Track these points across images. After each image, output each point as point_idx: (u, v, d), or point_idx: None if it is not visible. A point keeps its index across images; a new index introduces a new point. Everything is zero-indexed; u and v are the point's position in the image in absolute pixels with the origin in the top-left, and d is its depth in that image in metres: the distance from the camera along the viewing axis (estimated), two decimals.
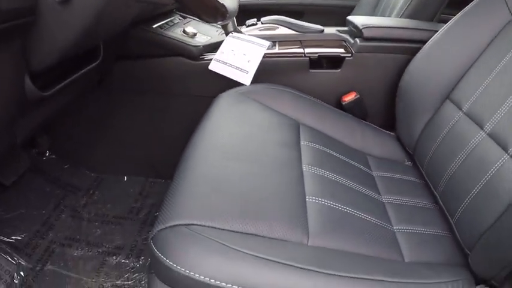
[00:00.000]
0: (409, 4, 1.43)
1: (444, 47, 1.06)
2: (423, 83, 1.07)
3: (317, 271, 0.63)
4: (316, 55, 1.21)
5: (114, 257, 1.20)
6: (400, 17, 1.45)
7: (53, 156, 1.52)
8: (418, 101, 1.07)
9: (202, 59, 1.27)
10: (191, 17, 1.56)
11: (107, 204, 1.40)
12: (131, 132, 1.45)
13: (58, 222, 1.30)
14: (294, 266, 0.63)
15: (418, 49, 1.11)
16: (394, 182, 1.00)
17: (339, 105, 1.23)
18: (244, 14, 2.08)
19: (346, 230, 0.76)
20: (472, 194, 0.80)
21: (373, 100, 1.26)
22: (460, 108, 0.97)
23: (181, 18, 1.55)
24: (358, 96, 1.21)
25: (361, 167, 1.00)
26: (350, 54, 1.22)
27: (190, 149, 0.88)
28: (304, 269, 0.63)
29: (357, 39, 1.23)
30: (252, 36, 1.20)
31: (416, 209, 0.93)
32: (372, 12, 1.82)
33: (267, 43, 1.16)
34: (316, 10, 2.13)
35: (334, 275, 0.64)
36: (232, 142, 0.89)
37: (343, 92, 1.23)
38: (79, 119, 1.45)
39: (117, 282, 1.12)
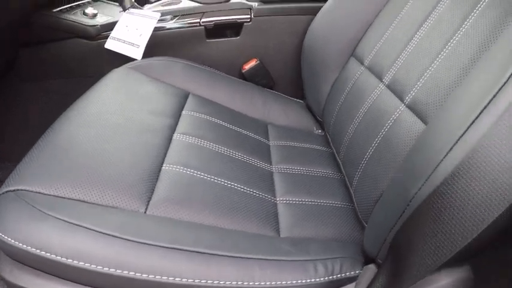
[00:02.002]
0: None
1: (346, 2, 0.99)
2: (326, 41, 0.99)
3: (136, 241, 0.55)
4: (212, 23, 1.12)
5: None
6: None
7: None
8: (322, 62, 0.99)
9: (100, 39, 1.19)
10: None
11: None
12: (43, 119, 1.37)
13: None
14: (114, 236, 0.55)
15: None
16: (293, 150, 0.91)
17: (241, 74, 1.14)
18: None
19: (202, 200, 0.67)
20: (368, 154, 0.72)
21: (278, 67, 1.17)
22: (362, 63, 0.89)
23: (92, 1, 1.47)
24: (259, 62, 1.12)
25: (255, 136, 0.91)
26: (248, 19, 1.13)
27: (58, 119, 0.80)
28: (121, 238, 0.55)
29: (255, 3, 1.15)
30: (145, 10, 1.12)
31: (315, 179, 0.83)
32: None
33: (157, 15, 1.08)
34: None
35: (162, 246, 0.55)
36: (101, 111, 0.80)
37: (244, 60, 1.14)
38: None
39: None
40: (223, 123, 0.89)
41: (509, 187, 0.39)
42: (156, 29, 1.10)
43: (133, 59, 1.06)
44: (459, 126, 0.45)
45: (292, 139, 0.94)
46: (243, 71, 1.12)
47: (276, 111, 1.02)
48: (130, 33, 1.10)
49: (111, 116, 0.79)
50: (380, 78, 0.80)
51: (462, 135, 0.44)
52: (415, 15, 0.79)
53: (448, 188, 0.43)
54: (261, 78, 1.13)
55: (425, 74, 0.67)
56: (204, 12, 1.18)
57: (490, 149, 0.41)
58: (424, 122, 0.63)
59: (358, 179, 0.74)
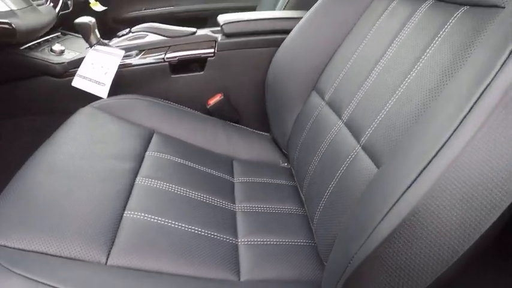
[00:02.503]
0: None
1: (308, 33, 1.00)
2: (289, 74, 1.00)
3: None
4: (176, 59, 1.13)
5: None
6: (283, 9, 1.38)
7: None
8: (286, 94, 1.00)
9: (68, 76, 1.19)
10: (72, 33, 1.49)
11: None
12: (14, 156, 1.36)
13: None
14: None
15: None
16: (258, 187, 0.91)
17: (207, 109, 1.15)
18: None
19: (160, 247, 0.67)
20: (326, 194, 0.73)
21: (243, 100, 1.18)
22: (323, 98, 0.90)
23: (61, 35, 1.48)
24: (223, 97, 1.12)
25: (219, 173, 0.91)
26: (212, 54, 1.14)
27: (23, 166, 0.79)
28: None
29: (219, 37, 1.16)
30: (110, 47, 1.12)
31: (279, 217, 0.83)
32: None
33: (122, 52, 1.08)
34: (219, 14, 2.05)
35: None
36: (65, 158, 0.80)
37: (210, 95, 1.15)
38: None
39: None
40: (187, 162, 0.89)
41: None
42: (121, 66, 1.11)
43: (100, 97, 1.07)
44: (406, 175, 0.45)
45: (257, 175, 0.95)
46: (208, 107, 1.13)
47: (241, 145, 1.03)
48: (96, 71, 1.10)
49: (75, 163, 0.79)
50: (339, 115, 0.80)
51: (405, 191, 0.44)
52: (372, 50, 0.80)
53: (387, 249, 0.44)
54: (226, 113, 1.14)
55: (381, 113, 0.67)
56: (169, 46, 1.19)
57: (435, 209, 0.41)
58: (377, 166, 0.63)
59: (318, 218, 0.74)
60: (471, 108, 0.42)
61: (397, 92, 0.66)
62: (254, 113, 1.19)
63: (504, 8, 0.55)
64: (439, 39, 0.64)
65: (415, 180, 0.43)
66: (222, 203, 0.82)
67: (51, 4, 1.08)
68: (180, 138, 0.98)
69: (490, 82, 0.42)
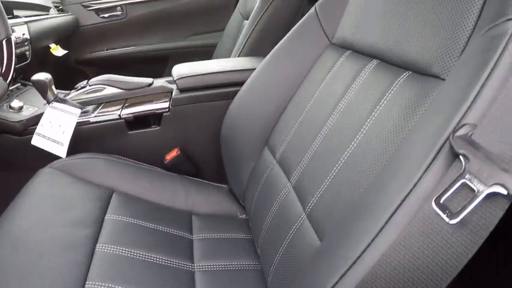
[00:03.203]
0: (245, 42, 1.41)
1: (259, 88, 1.02)
2: (242, 128, 1.02)
3: None
4: (132, 116, 1.16)
5: None
6: (238, 56, 1.42)
7: None
8: (240, 149, 1.03)
9: (28, 134, 1.20)
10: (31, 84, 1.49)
11: None
12: None
13: None
14: None
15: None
16: (215, 244, 0.93)
17: (165, 164, 1.17)
18: (109, 66, 2.04)
19: None
20: (277, 258, 0.75)
21: (200, 154, 1.20)
22: (274, 156, 0.92)
23: (21, 86, 1.48)
24: (179, 153, 1.15)
25: (179, 232, 0.93)
26: (167, 109, 1.16)
27: None
28: None
29: (174, 91, 1.18)
30: (67, 105, 1.14)
31: (235, 274, 0.85)
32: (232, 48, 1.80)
33: (78, 111, 1.10)
34: (181, 53, 2.10)
35: None
36: (24, 228, 0.81)
37: (167, 150, 1.17)
38: None
39: None
40: (146, 223, 0.92)
41: None
42: (78, 124, 1.12)
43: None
44: (347, 257, 0.46)
45: (216, 230, 0.97)
46: (165, 162, 1.16)
47: (200, 199, 1.05)
48: (54, 130, 1.12)
49: (36, 234, 0.80)
50: (288, 176, 0.82)
51: (344, 274, 0.45)
52: (320, 109, 0.81)
53: None
54: (184, 167, 1.17)
55: (326, 180, 0.68)
56: (126, 99, 1.21)
57: None
58: (320, 239, 0.64)
59: (271, 279, 0.77)
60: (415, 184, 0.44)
61: (342, 156, 0.67)
62: (211, 165, 1.22)
63: (444, 80, 0.58)
64: (383, 105, 0.65)
65: (355, 261, 0.44)
66: (181, 264, 0.85)
67: (0, 78, 1.09)
68: (140, 196, 1.00)
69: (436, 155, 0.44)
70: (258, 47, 1.39)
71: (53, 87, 1.17)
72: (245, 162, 1.02)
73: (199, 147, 1.19)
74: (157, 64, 2.09)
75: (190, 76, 1.16)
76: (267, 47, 1.34)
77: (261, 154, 0.98)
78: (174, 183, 1.07)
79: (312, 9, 0.98)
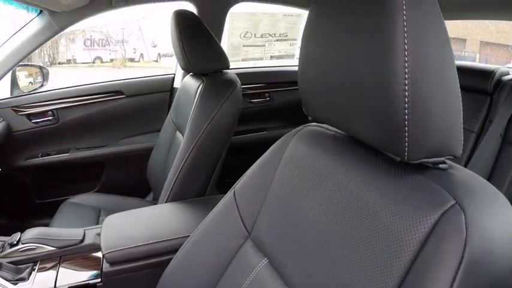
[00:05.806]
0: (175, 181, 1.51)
1: (186, 269, 1.03)
2: None
3: None
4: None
5: None
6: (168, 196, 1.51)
7: None
8: None
9: None
10: None
11: None
12: None
13: None
14: None
15: None
16: None
17: None
18: (45, 173, 2.06)
19: None
20: None
21: None
22: None
23: None
24: None
25: None
26: (99, 280, 1.18)
27: None
28: None
29: (104, 265, 1.20)
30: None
31: None
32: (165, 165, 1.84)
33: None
34: (117, 160, 2.14)
35: None
36: None
37: None
38: None
39: None
40: None
41: None
42: None
43: None
44: None
45: None
46: None
47: None
48: None
49: None
50: None
51: None
52: None
53: None
54: None
55: None
56: (60, 257, 1.28)
57: None
58: None
59: None
60: None
61: None
62: None
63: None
64: None
65: None
66: None
67: None
68: None
69: None
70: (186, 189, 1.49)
71: None
72: None
73: None
74: (92, 170, 2.14)
75: (120, 250, 1.19)
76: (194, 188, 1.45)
77: None
78: None
79: (231, 193, 1.00)
